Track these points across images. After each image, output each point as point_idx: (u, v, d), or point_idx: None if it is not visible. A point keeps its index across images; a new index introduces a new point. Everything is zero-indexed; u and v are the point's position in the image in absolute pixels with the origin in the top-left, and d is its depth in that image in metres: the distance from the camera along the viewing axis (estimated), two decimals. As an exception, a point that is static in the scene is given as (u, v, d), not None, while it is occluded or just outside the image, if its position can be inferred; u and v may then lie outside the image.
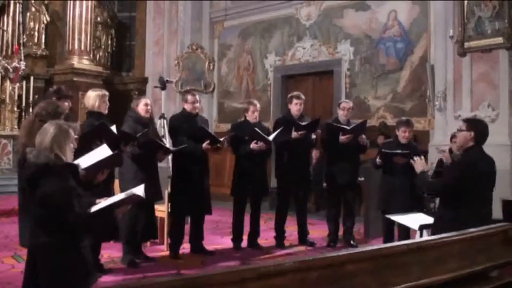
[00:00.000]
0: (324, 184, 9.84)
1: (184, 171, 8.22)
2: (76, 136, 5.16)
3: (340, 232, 9.29)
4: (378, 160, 8.11)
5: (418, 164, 6.34)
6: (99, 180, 5.45)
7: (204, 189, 8.38)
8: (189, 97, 8.49)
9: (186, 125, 8.27)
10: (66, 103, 7.32)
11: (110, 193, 6.23)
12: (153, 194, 7.61)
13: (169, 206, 8.48)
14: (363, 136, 8.95)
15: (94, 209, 4.40)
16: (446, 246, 4.00)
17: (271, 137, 8.64)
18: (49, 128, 4.42)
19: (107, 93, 7.60)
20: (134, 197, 4.63)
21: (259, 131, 8.56)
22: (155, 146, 7.74)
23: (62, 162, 4.31)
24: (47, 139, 4.34)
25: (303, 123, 8.80)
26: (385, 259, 3.41)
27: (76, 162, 4.93)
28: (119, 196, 4.73)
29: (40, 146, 4.34)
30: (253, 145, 8.55)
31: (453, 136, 7.64)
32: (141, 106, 7.86)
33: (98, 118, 7.23)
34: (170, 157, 8.96)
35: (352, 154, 8.99)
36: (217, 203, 11.35)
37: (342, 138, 8.70)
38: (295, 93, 9.35)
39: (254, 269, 2.80)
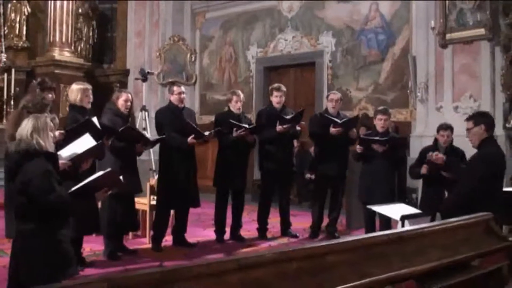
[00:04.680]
0: (307, 175, 9.84)
1: (170, 165, 8.20)
2: (62, 131, 5.20)
3: (324, 223, 9.31)
4: (358, 147, 8.15)
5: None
6: (83, 168, 5.56)
7: (191, 183, 8.36)
8: (175, 88, 8.49)
9: (172, 118, 8.24)
10: (50, 95, 7.31)
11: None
12: (133, 187, 7.60)
13: (156, 199, 8.46)
14: (354, 130, 8.97)
15: (73, 188, 4.62)
16: (428, 236, 4.00)
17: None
18: (28, 120, 4.60)
19: (89, 86, 7.58)
20: (111, 174, 4.88)
21: (236, 122, 8.57)
22: (135, 135, 7.70)
23: (42, 149, 4.48)
24: (27, 129, 4.51)
25: (288, 117, 8.79)
26: (365, 250, 3.40)
27: (59, 152, 5.10)
28: (95, 175, 4.93)
29: (21, 136, 4.51)
30: (235, 133, 8.55)
31: (440, 128, 7.65)
32: (121, 102, 7.79)
33: (81, 112, 7.23)
34: (152, 149, 8.95)
35: (341, 146, 8.97)
36: (200, 195, 11.33)
37: (332, 130, 8.69)
38: (276, 85, 9.34)
39: (234, 261, 2.78)
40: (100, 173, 4.92)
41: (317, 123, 9.00)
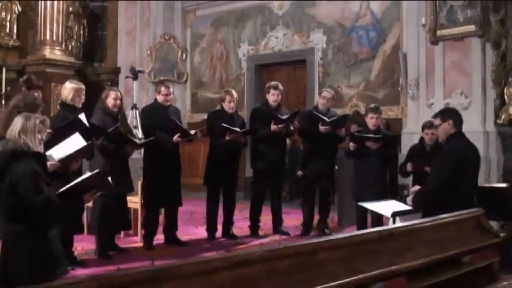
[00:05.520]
0: (299, 172, 9.84)
1: (155, 163, 8.18)
2: (49, 130, 5.20)
3: (315, 221, 9.31)
4: (351, 144, 8.15)
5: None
6: (73, 169, 5.54)
7: (174, 182, 8.35)
8: (163, 89, 8.45)
9: (157, 117, 8.24)
10: (36, 94, 7.26)
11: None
12: (124, 186, 7.57)
13: (142, 198, 8.45)
14: (343, 129, 8.98)
15: (61, 190, 4.62)
16: (418, 232, 4.01)
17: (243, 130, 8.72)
18: (18, 120, 4.60)
19: (83, 87, 7.52)
20: (100, 176, 4.89)
21: (229, 126, 8.56)
22: (123, 140, 7.68)
23: (30, 150, 4.47)
24: (15, 128, 4.51)
25: (283, 117, 8.78)
26: (356, 247, 3.40)
27: (48, 152, 5.09)
28: (83, 176, 4.91)
29: (10, 136, 4.53)
30: (229, 137, 8.54)
31: (425, 126, 7.69)
32: (110, 100, 7.74)
33: (71, 111, 7.18)
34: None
35: (329, 143, 8.97)
36: (191, 194, 11.32)
37: (321, 128, 8.70)
38: (273, 83, 9.31)
39: (223, 259, 2.78)
40: (88, 174, 4.90)
41: (306, 120, 9.01)
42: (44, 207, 4.36)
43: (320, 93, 9.44)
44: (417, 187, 6.61)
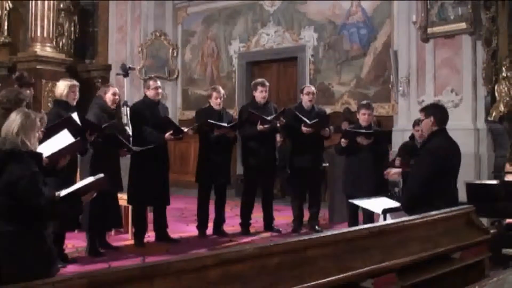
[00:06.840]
0: (289, 170, 9.84)
1: (145, 161, 8.15)
2: (43, 129, 5.17)
3: (306, 218, 9.31)
4: (343, 140, 8.12)
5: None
6: (61, 165, 5.49)
7: (162, 180, 8.34)
8: (151, 83, 8.46)
9: (148, 113, 8.22)
10: (28, 91, 7.23)
11: (74, 183, 6.20)
12: (115, 185, 7.54)
13: (127, 195, 8.40)
14: (327, 129, 8.96)
15: (63, 193, 4.52)
16: (409, 229, 4.02)
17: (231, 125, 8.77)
18: (16, 116, 4.47)
19: (77, 83, 7.54)
20: (101, 180, 4.79)
21: (215, 122, 8.56)
22: (118, 142, 7.64)
23: (27, 149, 4.36)
24: (14, 126, 4.38)
25: (268, 118, 8.75)
26: (346, 244, 3.41)
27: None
28: (86, 180, 4.84)
29: (7, 134, 4.39)
30: (216, 132, 8.53)
31: (415, 123, 7.70)
32: (109, 96, 7.75)
33: (65, 108, 7.17)
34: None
35: (313, 139, 8.95)
36: (182, 191, 11.32)
37: (303, 129, 8.69)
38: (260, 80, 9.30)
39: (214, 256, 2.78)
40: (91, 179, 4.81)
41: (290, 118, 8.97)
42: (45, 210, 4.29)
43: (302, 90, 9.39)
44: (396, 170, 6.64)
